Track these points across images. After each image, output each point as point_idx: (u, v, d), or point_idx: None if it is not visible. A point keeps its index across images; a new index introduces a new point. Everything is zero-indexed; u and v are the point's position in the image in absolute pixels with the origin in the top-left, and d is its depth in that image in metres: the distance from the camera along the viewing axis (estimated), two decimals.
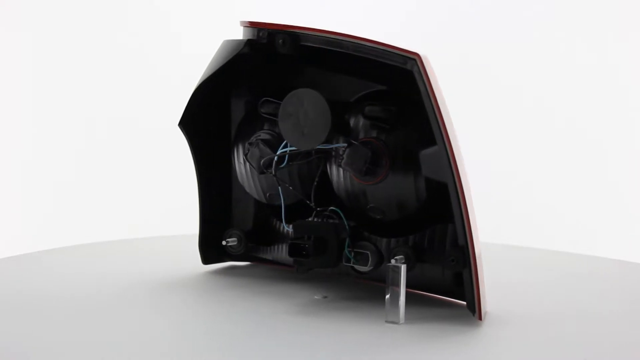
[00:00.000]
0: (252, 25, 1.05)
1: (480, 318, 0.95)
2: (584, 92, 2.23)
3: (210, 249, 1.19)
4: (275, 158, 1.03)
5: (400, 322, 0.96)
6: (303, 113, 0.98)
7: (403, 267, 0.96)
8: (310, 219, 1.06)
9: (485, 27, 2.28)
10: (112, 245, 1.41)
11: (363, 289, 1.10)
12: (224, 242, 1.16)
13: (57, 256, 1.31)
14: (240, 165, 1.13)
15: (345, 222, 1.02)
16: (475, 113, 2.21)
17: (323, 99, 0.97)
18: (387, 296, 0.96)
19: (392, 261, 0.98)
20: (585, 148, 2.22)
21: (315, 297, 1.06)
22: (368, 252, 1.03)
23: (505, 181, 2.23)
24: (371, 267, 1.04)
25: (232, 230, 1.17)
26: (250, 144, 1.07)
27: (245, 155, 1.07)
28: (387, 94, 1.06)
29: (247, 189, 1.14)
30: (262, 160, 1.05)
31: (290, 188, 1.07)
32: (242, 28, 1.09)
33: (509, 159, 2.25)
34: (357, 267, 1.05)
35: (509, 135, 2.26)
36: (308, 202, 1.05)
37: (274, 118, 1.05)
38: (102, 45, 2.37)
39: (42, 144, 2.40)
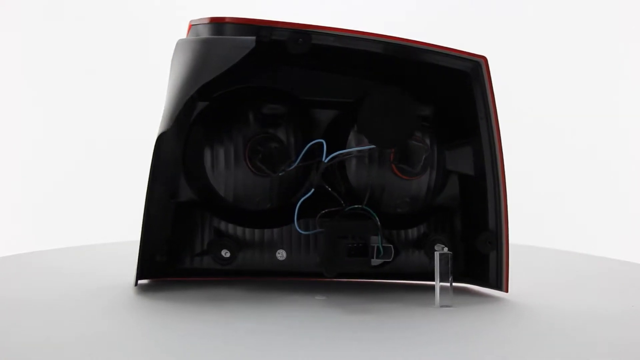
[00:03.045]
0: (273, 24, 1.00)
1: (507, 290, 1.06)
2: (585, 92, 2.24)
3: (145, 268, 1.06)
4: (325, 160, 1.02)
5: (453, 305, 1.01)
6: (387, 112, 0.97)
7: (451, 254, 1.02)
8: (330, 220, 1.03)
9: (484, 27, 2.31)
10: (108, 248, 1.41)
11: (350, 287, 1.11)
12: (223, 254, 1.07)
13: (37, 258, 1.31)
14: (225, 170, 1.05)
15: (377, 219, 1.04)
16: None
17: (409, 98, 0.98)
18: (439, 283, 1.01)
19: (444, 249, 1.03)
20: (585, 147, 2.24)
21: (317, 297, 1.04)
22: (391, 245, 1.07)
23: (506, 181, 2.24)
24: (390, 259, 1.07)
25: (223, 240, 1.07)
26: (262, 145, 1.03)
27: (257, 158, 1.03)
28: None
29: (231, 196, 1.07)
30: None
31: (329, 189, 1.05)
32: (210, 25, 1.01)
33: (509, 158, 2.26)
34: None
35: (508, 135, 2.27)
36: (342, 201, 1.06)
37: (276, 120, 1.04)
38: (101, 47, 2.37)
39: (40, 145, 2.39)
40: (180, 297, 1.01)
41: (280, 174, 1.04)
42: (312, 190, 1.04)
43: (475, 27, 2.32)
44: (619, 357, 0.77)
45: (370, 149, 1.03)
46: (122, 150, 2.33)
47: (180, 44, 1.03)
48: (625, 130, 2.25)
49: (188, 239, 1.08)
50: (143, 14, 2.40)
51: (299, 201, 1.04)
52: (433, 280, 1.09)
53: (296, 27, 0.99)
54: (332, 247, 1.00)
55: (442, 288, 1.01)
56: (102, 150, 2.37)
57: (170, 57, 1.05)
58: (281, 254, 1.08)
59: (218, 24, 1.00)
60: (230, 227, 1.09)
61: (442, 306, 1.00)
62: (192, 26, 1.03)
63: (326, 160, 1.02)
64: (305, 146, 1.04)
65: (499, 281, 1.06)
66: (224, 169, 1.06)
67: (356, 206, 1.05)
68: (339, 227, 1.01)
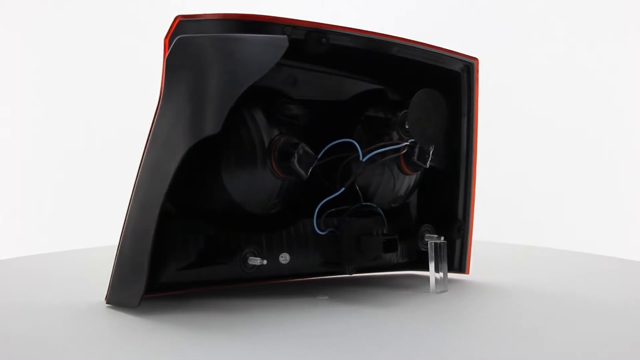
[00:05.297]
0: (293, 23, 0.95)
1: (468, 272, 1.18)
2: (584, 91, 2.27)
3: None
4: (363, 160, 1.03)
5: (447, 289, 1.08)
6: (429, 112, 1.00)
7: (445, 243, 1.08)
8: (346, 218, 1.04)
9: (484, 26, 2.30)
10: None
11: (343, 285, 1.14)
12: (258, 262, 1.00)
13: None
14: (248, 174, 0.99)
15: (383, 215, 1.08)
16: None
17: (443, 98, 1.01)
18: (436, 271, 1.07)
19: (441, 239, 1.09)
20: (584, 147, 2.27)
21: (321, 297, 1.05)
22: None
23: (505, 180, 2.25)
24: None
25: (249, 248, 1.01)
26: (293, 147, 0.98)
27: (289, 160, 0.98)
28: (382, 92, 1.13)
29: (246, 201, 1.00)
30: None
31: (357, 188, 1.06)
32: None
33: (509, 158, 2.28)
34: None
35: (508, 134, 2.28)
36: (363, 200, 1.07)
37: (294, 121, 1.01)
38: (103, 47, 2.40)
39: (41, 146, 2.42)
40: (181, 308, 0.97)
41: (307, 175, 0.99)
42: (342, 189, 1.03)
43: (474, 24, 2.33)
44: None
45: (402, 146, 1.05)
46: (121, 152, 2.28)
47: (192, 41, 0.92)
48: (624, 129, 2.29)
49: (175, 251, 0.99)
50: (143, 14, 2.42)
51: (322, 201, 1.03)
52: (408, 270, 1.19)
53: (319, 27, 0.97)
54: (356, 243, 1.03)
55: (438, 276, 1.08)
56: (101, 152, 2.39)
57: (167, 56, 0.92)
58: (284, 258, 1.04)
59: (235, 22, 0.94)
60: (221, 233, 1.02)
61: (440, 292, 1.07)
62: (181, 22, 0.95)
63: (364, 160, 1.03)
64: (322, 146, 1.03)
65: (462, 265, 1.17)
66: (247, 173, 0.98)
67: (370, 204, 1.07)
68: (359, 225, 1.03)
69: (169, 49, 0.93)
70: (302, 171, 0.97)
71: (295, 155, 0.97)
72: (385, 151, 1.05)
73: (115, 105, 2.42)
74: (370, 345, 0.82)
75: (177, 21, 0.94)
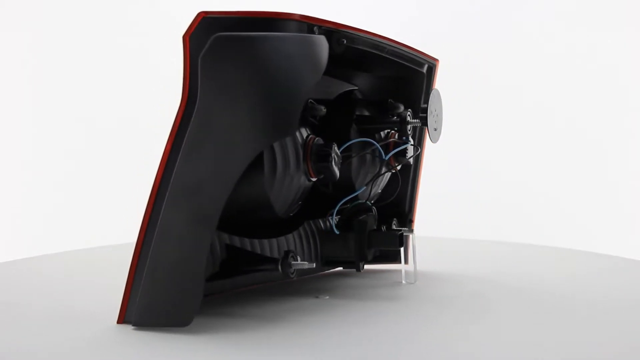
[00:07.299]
0: (313, 21, 0.92)
1: (407, 263, 1.20)
2: (584, 91, 2.24)
3: None
4: (385, 158, 1.08)
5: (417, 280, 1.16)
6: (438, 111, 1.06)
7: (412, 235, 1.16)
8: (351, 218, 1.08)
9: (484, 27, 2.22)
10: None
11: (333, 282, 1.16)
12: (307, 265, 0.97)
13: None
14: (290, 176, 0.96)
15: (375, 212, 1.12)
16: (475, 113, 2.15)
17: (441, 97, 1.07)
18: (405, 262, 1.15)
19: (409, 232, 1.17)
20: (584, 147, 2.24)
21: (322, 297, 1.06)
22: None
23: (505, 180, 2.21)
24: None
25: (289, 252, 0.97)
26: (329, 148, 0.98)
27: (330, 162, 0.97)
28: (353, 93, 1.16)
29: (279, 206, 0.98)
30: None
31: (371, 187, 1.11)
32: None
33: (509, 158, 2.22)
34: None
35: (508, 134, 2.23)
36: (367, 200, 1.11)
37: (315, 121, 1.01)
38: (103, 47, 2.37)
39: (41, 145, 2.39)
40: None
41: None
42: (364, 187, 1.07)
43: (475, 27, 2.25)
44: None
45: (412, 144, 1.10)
46: (123, 152, 2.32)
47: (238, 40, 0.87)
48: (624, 128, 2.29)
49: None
50: (144, 13, 2.39)
51: (341, 201, 1.05)
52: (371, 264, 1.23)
53: (340, 28, 0.95)
54: (368, 240, 1.07)
55: (407, 267, 1.15)
56: (102, 152, 2.36)
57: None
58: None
59: (263, 19, 0.89)
60: (237, 240, 0.99)
61: (407, 282, 1.15)
62: (203, 19, 0.89)
63: (386, 158, 1.09)
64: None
65: (407, 257, 1.20)
66: (287, 176, 0.96)
67: (365, 202, 1.10)
68: (368, 223, 1.08)
69: (190, 46, 0.88)
70: (337, 172, 0.98)
71: (331, 156, 0.97)
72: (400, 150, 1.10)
73: (115, 105, 2.35)
74: (390, 338, 0.87)
75: (199, 18, 0.89)
